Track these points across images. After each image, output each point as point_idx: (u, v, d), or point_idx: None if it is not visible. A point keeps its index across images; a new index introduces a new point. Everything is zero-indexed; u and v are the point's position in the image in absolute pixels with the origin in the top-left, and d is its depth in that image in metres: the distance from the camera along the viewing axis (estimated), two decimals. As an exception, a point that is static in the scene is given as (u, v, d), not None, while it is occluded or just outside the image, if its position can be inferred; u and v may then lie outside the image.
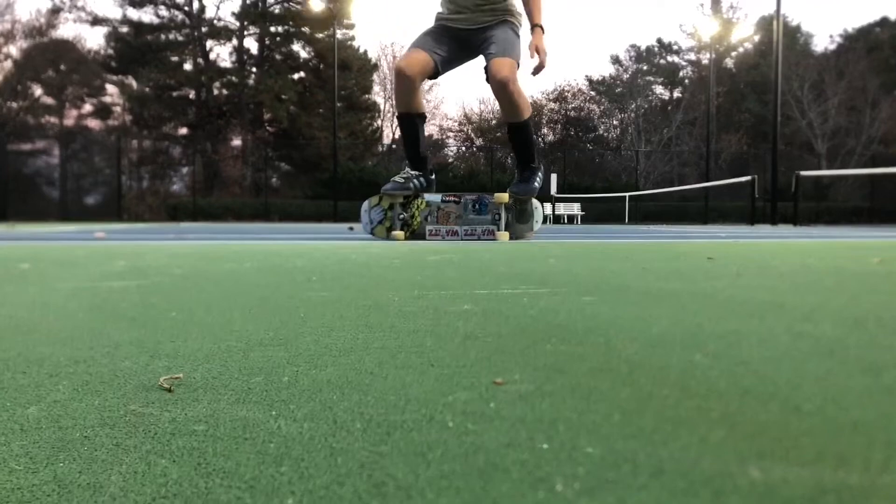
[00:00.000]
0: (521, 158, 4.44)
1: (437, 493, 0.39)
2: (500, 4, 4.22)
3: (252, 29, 33.88)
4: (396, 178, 4.40)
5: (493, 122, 34.09)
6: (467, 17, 4.23)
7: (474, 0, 4.20)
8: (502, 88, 4.03)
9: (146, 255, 2.52)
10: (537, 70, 4.19)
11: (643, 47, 38.65)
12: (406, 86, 4.17)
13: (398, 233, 4.45)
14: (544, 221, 18.31)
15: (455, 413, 0.54)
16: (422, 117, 4.39)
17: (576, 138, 35.46)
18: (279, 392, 0.61)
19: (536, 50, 4.14)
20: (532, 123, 4.40)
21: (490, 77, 4.07)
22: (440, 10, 4.36)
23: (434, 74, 4.24)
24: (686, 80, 37.72)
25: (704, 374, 0.66)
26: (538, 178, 4.48)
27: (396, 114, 4.36)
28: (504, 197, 4.52)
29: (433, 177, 4.58)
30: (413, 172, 4.43)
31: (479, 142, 34.69)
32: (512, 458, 0.44)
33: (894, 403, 0.56)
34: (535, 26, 4.18)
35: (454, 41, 4.26)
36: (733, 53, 36.94)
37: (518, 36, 4.26)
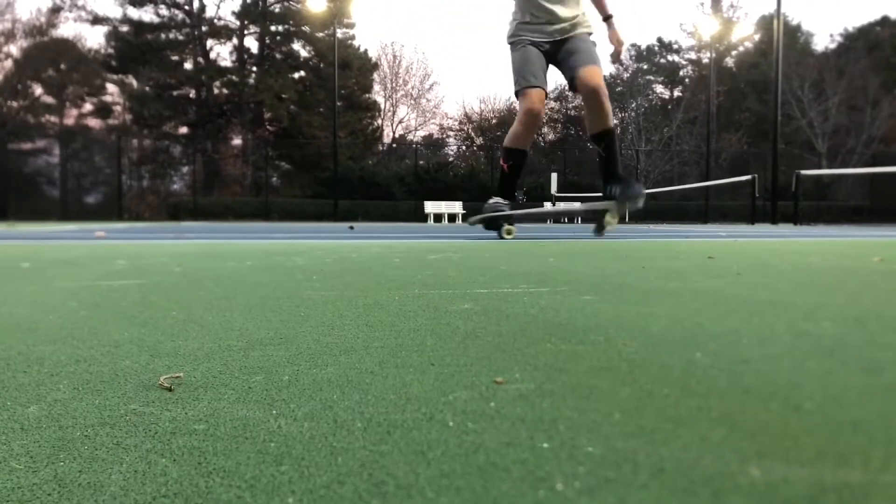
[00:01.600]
0: (612, 165, 4.52)
1: (437, 492, 0.39)
2: (580, 17, 4.42)
3: (252, 28, 33.88)
4: (489, 209, 4.60)
5: (494, 121, 34.12)
6: (556, 29, 4.39)
7: (563, 13, 4.35)
8: (595, 94, 4.22)
9: (146, 254, 2.52)
10: (616, 58, 4.49)
11: (643, 46, 38.66)
12: (535, 126, 4.47)
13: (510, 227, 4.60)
14: (544, 221, 18.31)
15: (455, 412, 0.54)
16: (527, 154, 4.64)
17: (576, 137, 35.45)
18: (279, 391, 0.61)
19: (615, 40, 4.44)
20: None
21: (581, 85, 4.25)
22: (519, 17, 4.47)
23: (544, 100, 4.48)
24: (686, 79, 37.72)
25: (705, 372, 0.66)
26: (636, 179, 4.70)
27: (509, 149, 4.51)
28: (613, 221, 4.71)
29: (520, 198, 4.82)
30: (503, 201, 4.61)
31: (479, 141, 34.70)
32: (512, 457, 0.44)
33: (895, 402, 0.56)
34: (609, 17, 4.45)
35: (544, 57, 4.45)
36: (733, 52, 36.92)
37: (595, 44, 4.47)
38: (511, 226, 4.59)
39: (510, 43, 4.55)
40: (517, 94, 4.44)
